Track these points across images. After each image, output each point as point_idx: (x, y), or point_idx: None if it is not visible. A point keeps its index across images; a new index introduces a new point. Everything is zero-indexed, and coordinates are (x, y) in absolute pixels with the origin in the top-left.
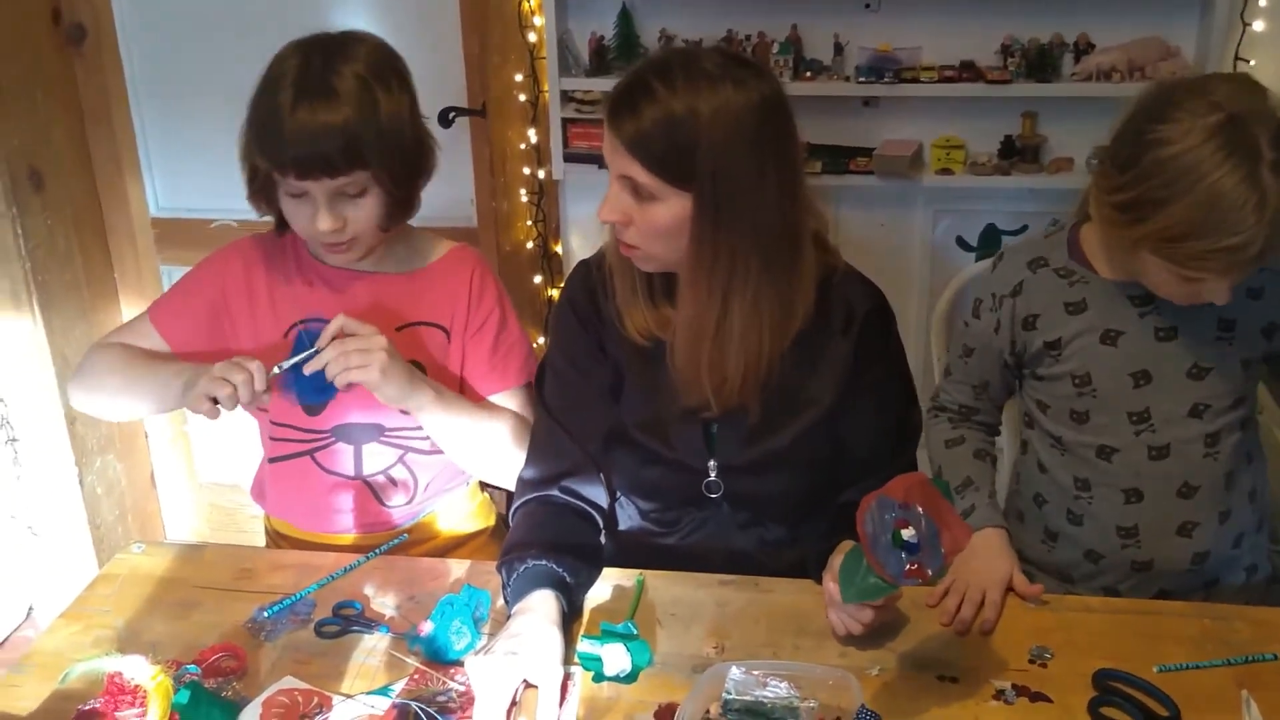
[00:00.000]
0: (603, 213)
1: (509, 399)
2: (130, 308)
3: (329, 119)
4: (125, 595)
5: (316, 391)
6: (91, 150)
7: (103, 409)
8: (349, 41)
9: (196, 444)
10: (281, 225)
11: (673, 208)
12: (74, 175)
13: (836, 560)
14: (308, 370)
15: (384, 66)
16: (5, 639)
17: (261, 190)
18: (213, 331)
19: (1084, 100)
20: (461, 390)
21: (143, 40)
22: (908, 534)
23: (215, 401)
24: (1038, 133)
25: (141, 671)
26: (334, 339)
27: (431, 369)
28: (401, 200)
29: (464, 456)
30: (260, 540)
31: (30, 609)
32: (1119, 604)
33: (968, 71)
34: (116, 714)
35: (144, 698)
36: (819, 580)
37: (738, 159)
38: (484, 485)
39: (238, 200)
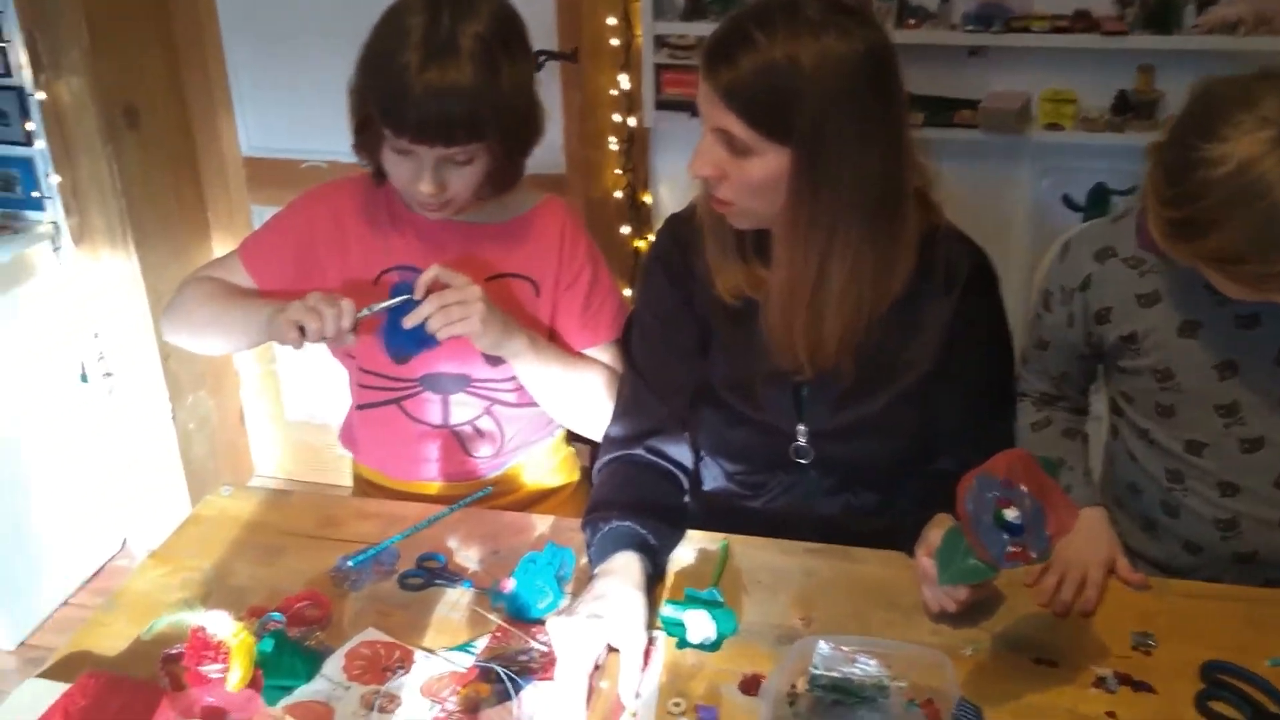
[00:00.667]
0: (695, 167)
1: (601, 353)
2: (222, 246)
3: (455, 89)
4: (213, 539)
5: (417, 343)
6: (185, 89)
7: (192, 342)
8: (473, 3)
9: (285, 383)
10: (380, 175)
11: (769, 163)
12: (168, 113)
13: (931, 534)
14: (408, 323)
15: (509, 30)
16: (100, 569)
17: (368, 142)
18: (300, 272)
19: (1205, 54)
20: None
21: None
22: (1011, 514)
23: (302, 331)
24: (1155, 88)
25: (224, 627)
26: (430, 290)
27: (521, 321)
28: (506, 170)
29: (556, 406)
30: (346, 479)
31: (125, 540)
32: (1227, 591)
33: (1082, 21)
34: (199, 669)
35: (227, 654)
36: (911, 552)
37: (840, 112)
38: (570, 438)
39: (328, 141)
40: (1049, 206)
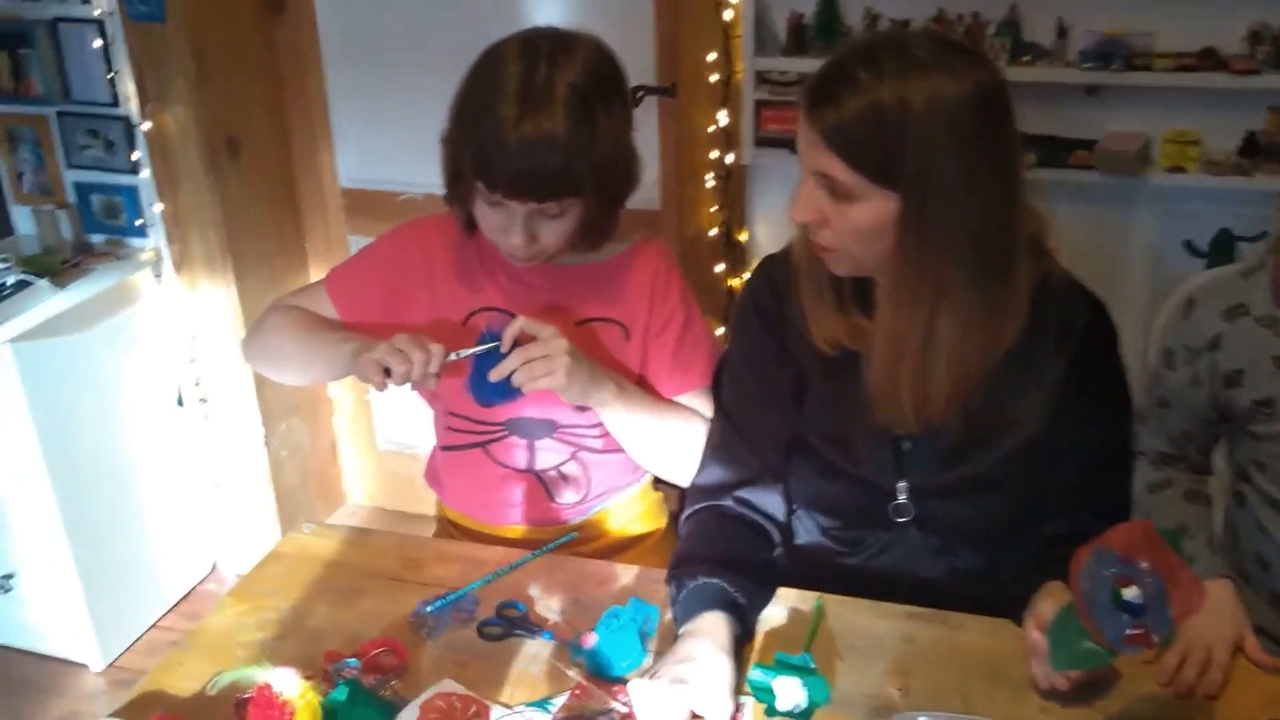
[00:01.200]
0: (794, 212)
1: (692, 400)
2: (319, 276)
3: (549, 146)
4: (292, 577)
5: (502, 394)
6: (287, 120)
7: (271, 371)
8: (571, 48)
9: (377, 412)
10: (471, 225)
11: (874, 208)
12: (269, 144)
13: (1041, 605)
14: (493, 376)
15: (605, 79)
16: (190, 592)
17: (459, 194)
18: (386, 307)
19: None
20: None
21: (339, 10)
22: (1130, 593)
23: (387, 373)
24: None
25: (290, 686)
26: (516, 342)
27: (608, 368)
28: (600, 222)
29: (645, 454)
30: (434, 511)
31: (214, 564)
32: None
33: (1209, 59)
34: None
35: (292, 713)
36: (1018, 621)
37: (951, 155)
38: (657, 484)
39: (426, 174)
40: (1168, 252)
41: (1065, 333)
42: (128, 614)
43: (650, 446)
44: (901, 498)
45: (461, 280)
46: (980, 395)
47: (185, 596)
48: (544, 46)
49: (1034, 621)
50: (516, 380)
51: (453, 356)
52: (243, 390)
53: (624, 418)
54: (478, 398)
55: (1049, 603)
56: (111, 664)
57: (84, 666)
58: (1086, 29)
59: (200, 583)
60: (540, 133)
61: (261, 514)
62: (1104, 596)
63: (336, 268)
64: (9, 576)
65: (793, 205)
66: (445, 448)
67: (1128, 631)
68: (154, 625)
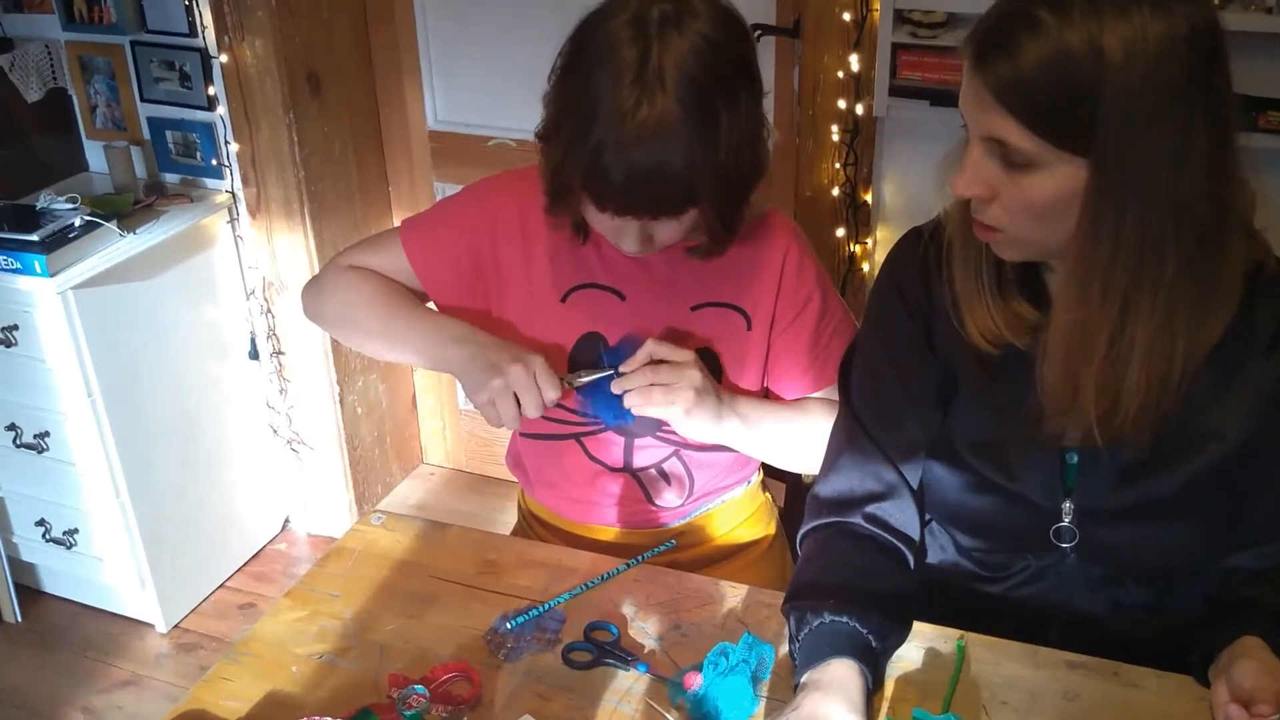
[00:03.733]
0: (959, 185)
1: (830, 394)
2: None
3: (664, 162)
4: (358, 579)
5: (613, 414)
6: (373, 56)
7: (336, 336)
8: (685, 20)
9: None
10: (579, 230)
11: (1058, 179)
12: (353, 81)
13: (1237, 669)
14: (616, 388)
15: (728, 60)
16: (259, 551)
17: (567, 205)
18: (475, 284)
19: None
20: (764, 382)
21: None
22: None
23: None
24: None
25: None
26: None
27: (727, 358)
28: (726, 220)
29: (772, 460)
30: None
31: (286, 519)
32: None
33: None
34: None
35: None
36: (1194, 671)
37: (1156, 114)
38: (765, 483)
39: (519, 119)
40: None
41: (1279, 334)
42: (194, 573)
43: (778, 455)
44: (1066, 520)
45: (562, 253)
46: (1175, 402)
47: (255, 556)
48: (655, 21)
49: (1224, 687)
50: (630, 400)
51: (571, 384)
52: (318, 343)
53: (750, 440)
54: (585, 411)
55: (1246, 666)
56: (176, 625)
57: (150, 626)
58: None
59: (270, 541)
60: (652, 156)
61: (335, 472)
62: None
63: (414, 221)
64: (72, 532)
65: (959, 177)
66: (528, 434)
67: None
68: (221, 585)
